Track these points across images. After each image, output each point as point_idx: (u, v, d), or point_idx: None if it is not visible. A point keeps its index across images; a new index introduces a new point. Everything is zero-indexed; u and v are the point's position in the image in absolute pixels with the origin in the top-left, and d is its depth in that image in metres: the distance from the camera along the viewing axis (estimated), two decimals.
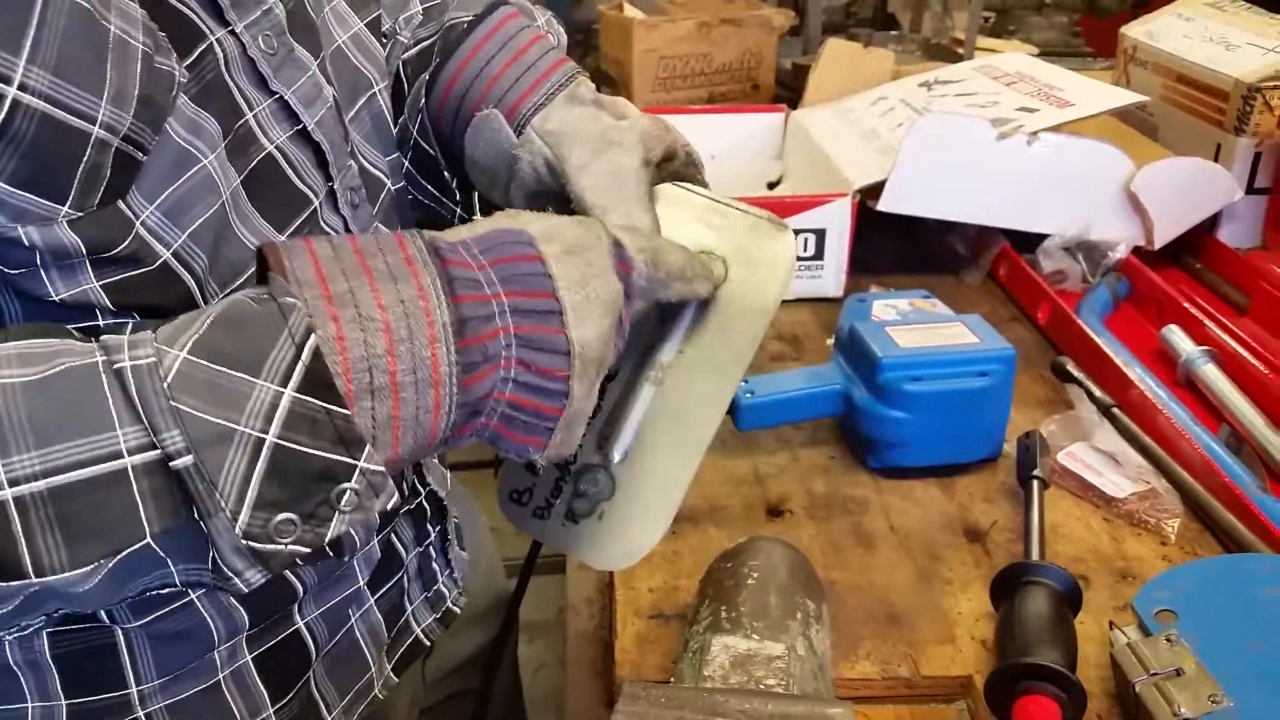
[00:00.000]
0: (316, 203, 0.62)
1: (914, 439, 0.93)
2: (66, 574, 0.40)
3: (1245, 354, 1.06)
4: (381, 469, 0.43)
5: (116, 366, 0.41)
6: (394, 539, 0.75)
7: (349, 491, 0.43)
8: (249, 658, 0.64)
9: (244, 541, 0.42)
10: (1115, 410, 0.99)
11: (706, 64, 1.77)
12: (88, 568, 0.40)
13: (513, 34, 0.70)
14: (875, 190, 1.26)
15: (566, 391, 0.47)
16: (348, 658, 0.72)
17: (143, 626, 0.58)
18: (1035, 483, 0.88)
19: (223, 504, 0.41)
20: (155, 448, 0.40)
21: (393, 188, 0.73)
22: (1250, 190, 1.31)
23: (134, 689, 0.59)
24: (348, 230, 0.65)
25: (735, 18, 1.77)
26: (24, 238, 0.46)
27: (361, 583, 0.71)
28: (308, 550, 0.43)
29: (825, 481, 0.95)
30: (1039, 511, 0.85)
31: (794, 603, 0.67)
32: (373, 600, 0.73)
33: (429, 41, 0.75)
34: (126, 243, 0.49)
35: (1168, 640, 0.69)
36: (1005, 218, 1.28)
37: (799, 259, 1.26)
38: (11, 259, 0.47)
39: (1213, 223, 1.32)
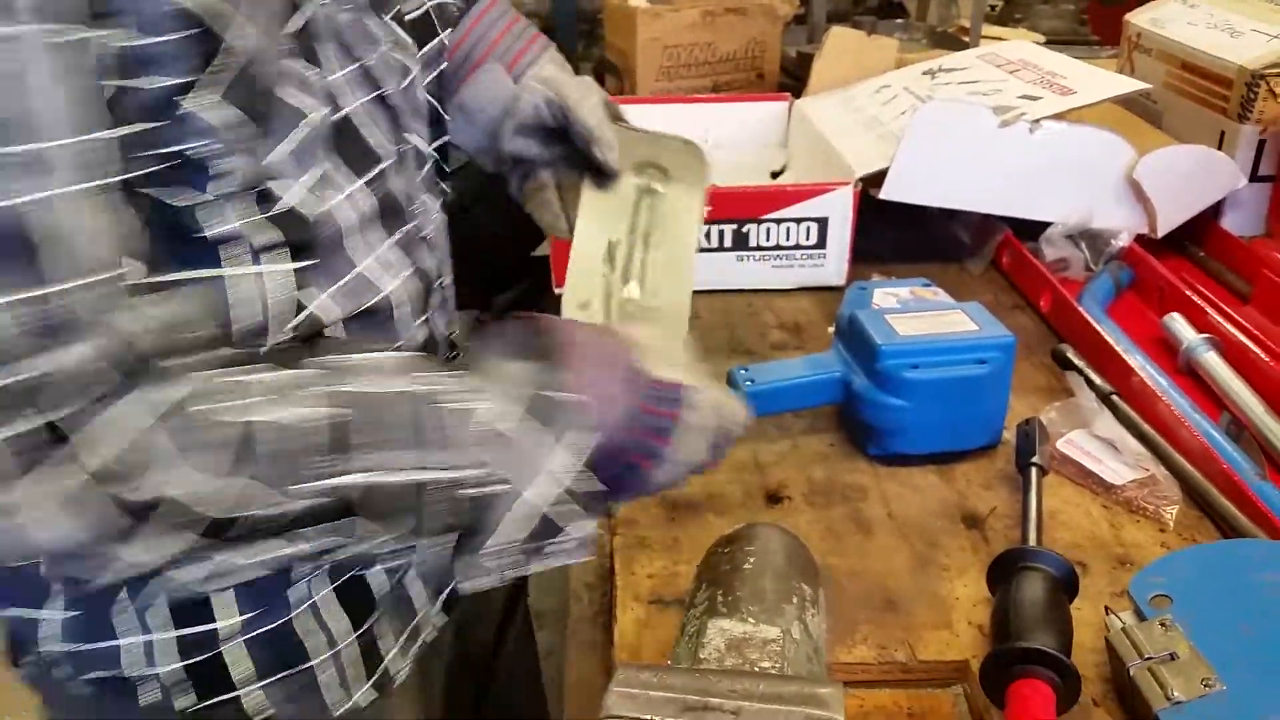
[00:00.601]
0: (386, 164, 0.68)
1: (913, 426, 0.94)
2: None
3: (1247, 341, 1.06)
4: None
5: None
6: None
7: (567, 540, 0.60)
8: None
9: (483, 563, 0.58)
10: (1115, 398, 0.99)
11: (710, 53, 1.77)
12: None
13: (499, 15, 0.89)
14: (878, 178, 1.26)
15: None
16: (404, 602, 0.80)
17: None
18: (1034, 469, 0.89)
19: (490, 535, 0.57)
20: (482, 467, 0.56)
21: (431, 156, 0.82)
22: (1254, 178, 1.31)
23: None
24: (408, 193, 0.73)
25: (739, 6, 1.77)
26: (230, 167, 0.54)
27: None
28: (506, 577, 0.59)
29: (824, 468, 0.96)
30: (1037, 498, 0.86)
31: (790, 587, 0.68)
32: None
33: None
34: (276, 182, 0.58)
35: (1162, 625, 0.69)
36: (1007, 205, 1.28)
37: (800, 247, 1.27)
38: (198, 186, 0.54)
39: (1216, 210, 1.32)
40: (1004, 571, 0.76)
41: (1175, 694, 0.64)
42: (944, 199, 1.29)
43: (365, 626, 0.76)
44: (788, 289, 1.29)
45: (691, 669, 0.55)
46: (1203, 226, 1.31)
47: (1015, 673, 0.68)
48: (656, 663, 0.65)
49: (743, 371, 0.96)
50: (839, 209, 1.24)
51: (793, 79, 1.83)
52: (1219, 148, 1.30)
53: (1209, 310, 1.13)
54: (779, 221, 1.25)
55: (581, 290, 0.89)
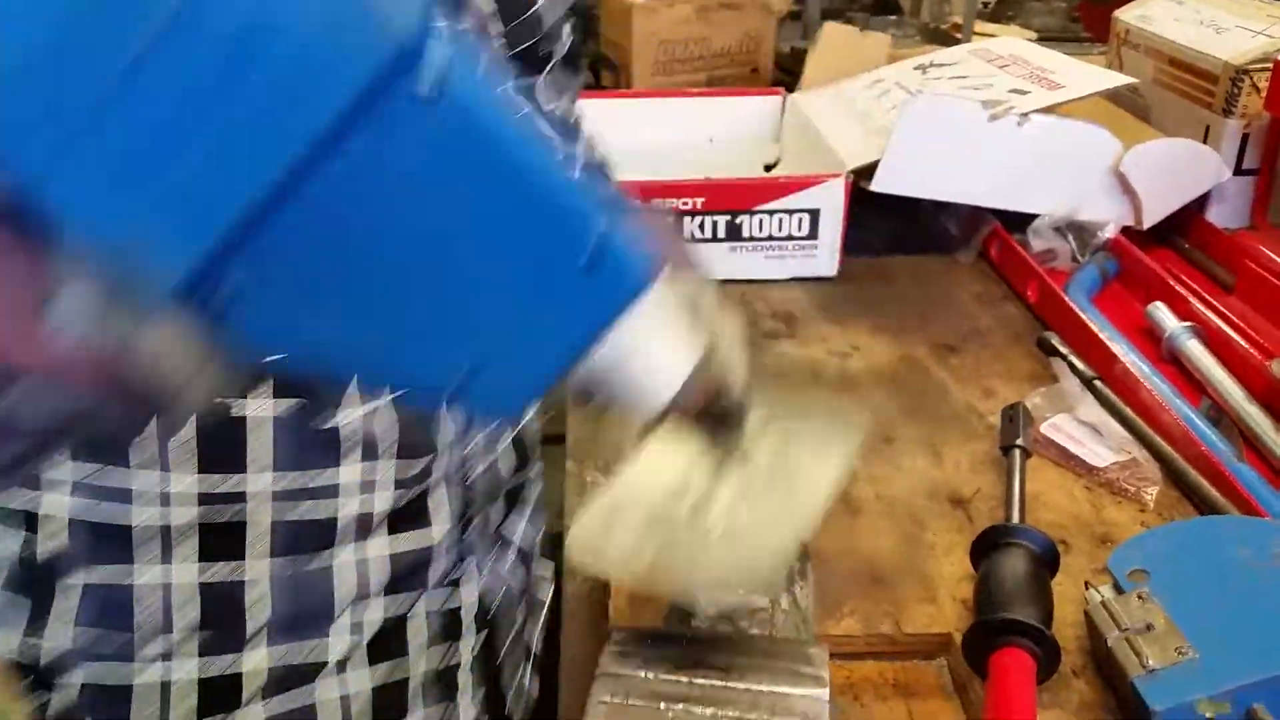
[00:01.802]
0: None
1: None
2: None
3: (1229, 330, 1.09)
4: None
5: None
6: None
7: None
8: None
9: None
10: (1098, 383, 1.01)
11: (705, 48, 1.79)
12: None
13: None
14: (869, 171, 1.28)
15: None
16: None
17: None
18: (1017, 452, 0.91)
19: None
20: None
21: None
22: (1238, 171, 1.33)
23: None
24: None
25: (735, 2, 1.79)
26: None
27: None
28: None
29: None
30: (1020, 479, 0.88)
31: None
32: None
33: None
34: None
35: (1139, 598, 0.71)
36: (996, 198, 1.31)
37: (793, 238, 1.29)
38: None
39: (1201, 203, 1.34)
40: (987, 548, 0.78)
41: (1150, 662, 0.67)
42: (934, 191, 1.31)
43: None
44: (780, 279, 1.31)
45: (683, 633, 0.57)
46: (1188, 219, 1.34)
47: (997, 643, 0.70)
48: (651, 627, 0.67)
49: None
50: (831, 201, 1.27)
51: (787, 74, 1.86)
52: (1204, 142, 1.33)
53: (1192, 300, 1.15)
54: (771, 213, 1.27)
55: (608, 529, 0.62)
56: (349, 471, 0.55)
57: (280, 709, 0.58)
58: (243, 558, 0.55)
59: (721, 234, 1.28)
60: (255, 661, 0.57)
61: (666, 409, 0.45)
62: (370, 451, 0.56)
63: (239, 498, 0.53)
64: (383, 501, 0.58)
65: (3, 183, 0.29)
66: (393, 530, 0.59)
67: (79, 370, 0.30)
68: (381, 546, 0.59)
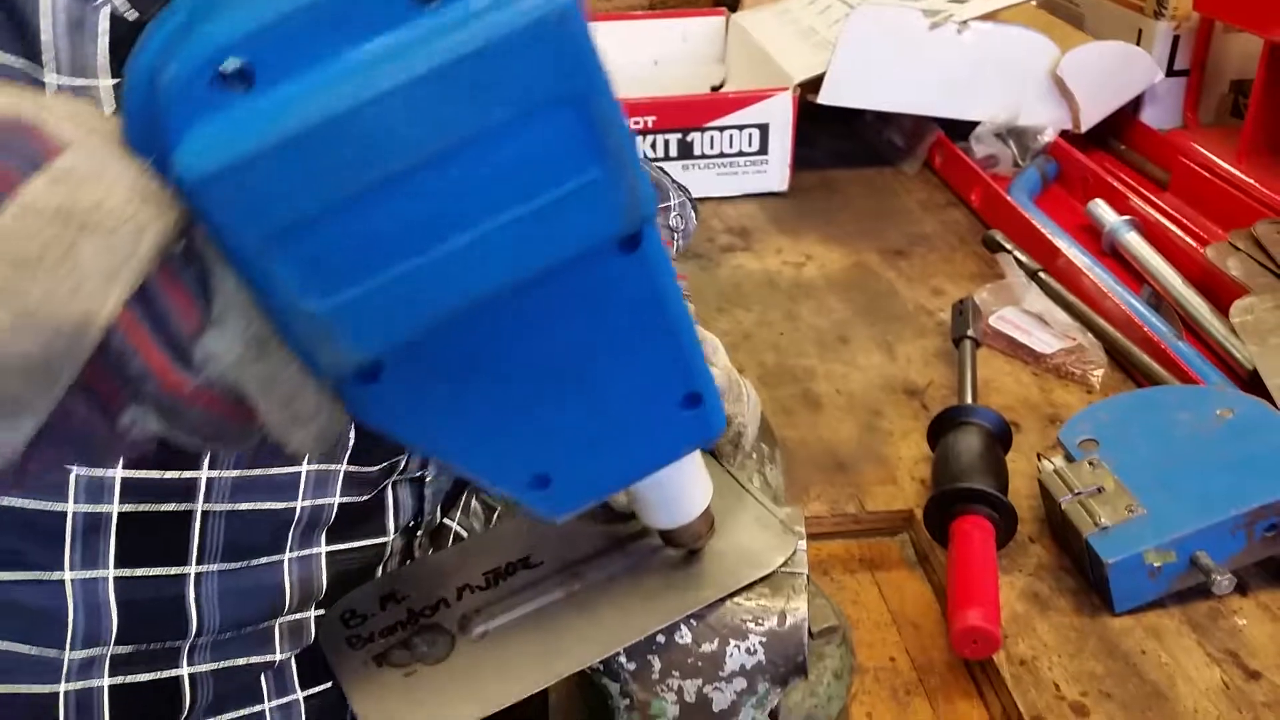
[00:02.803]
0: None
1: None
2: None
3: (1166, 223, 1.13)
4: None
5: None
6: None
7: None
8: None
9: None
10: (1042, 274, 1.05)
11: None
12: None
13: None
14: (815, 86, 1.30)
15: None
16: None
17: None
18: (968, 342, 0.94)
19: None
20: None
21: None
22: (1170, 73, 1.36)
23: None
24: None
25: None
26: None
27: None
28: None
29: (775, 355, 1.01)
30: (972, 366, 0.91)
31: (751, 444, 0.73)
32: None
33: None
34: None
35: (1090, 464, 0.75)
36: (939, 106, 1.33)
37: (744, 154, 1.31)
38: None
39: (1136, 105, 1.38)
40: (943, 428, 0.81)
41: (1102, 520, 0.71)
42: (879, 102, 1.33)
43: None
44: (734, 196, 1.33)
45: None
46: (1123, 121, 1.37)
47: (956, 511, 0.73)
48: None
49: None
50: (779, 115, 1.28)
51: None
52: (1137, 44, 1.36)
53: (1130, 196, 1.19)
54: (721, 129, 1.29)
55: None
56: (307, 469, 0.51)
57: None
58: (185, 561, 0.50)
59: (674, 152, 1.29)
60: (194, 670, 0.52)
61: (672, 531, 0.49)
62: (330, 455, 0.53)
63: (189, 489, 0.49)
64: (337, 499, 0.53)
65: (204, 235, 0.30)
66: (344, 530, 0.54)
67: (208, 399, 0.32)
68: (332, 546, 0.55)
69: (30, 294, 0.28)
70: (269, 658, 0.52)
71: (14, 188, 0.28)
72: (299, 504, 0.50)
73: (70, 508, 0.45)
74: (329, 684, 0.54)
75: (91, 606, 0.47)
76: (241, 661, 0.51)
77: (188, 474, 0.47)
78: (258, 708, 0.52)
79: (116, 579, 0.47)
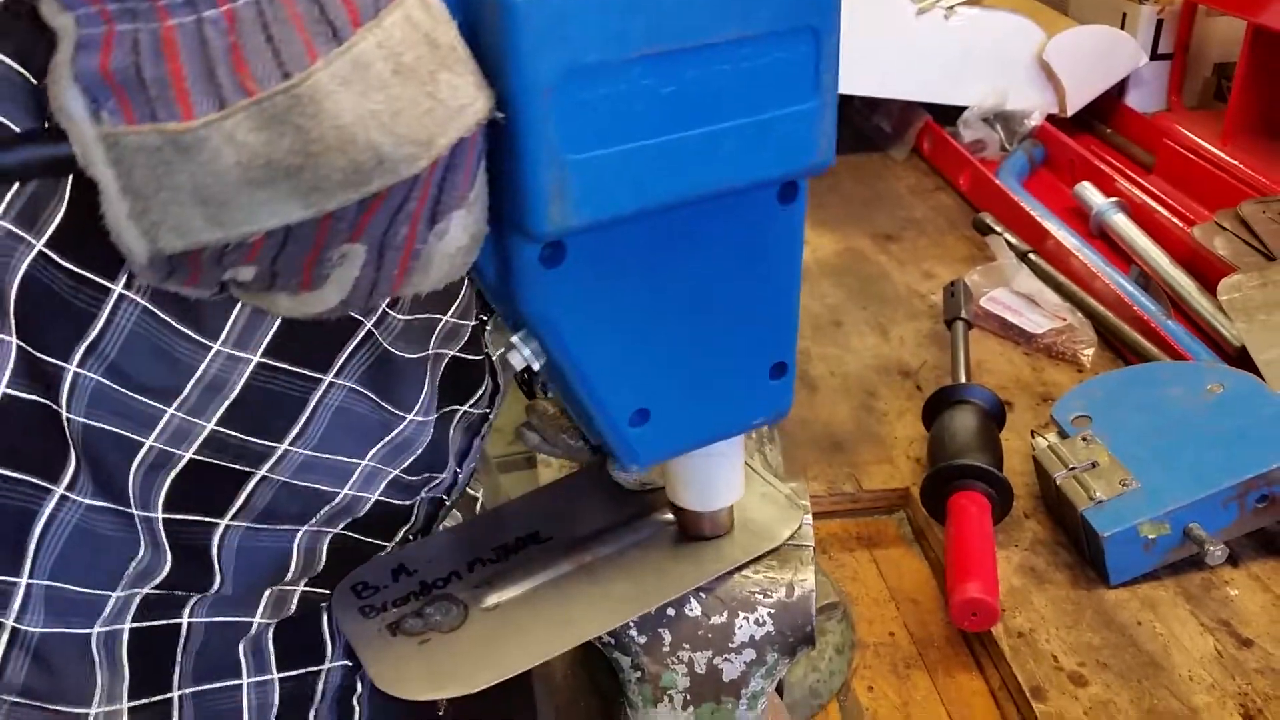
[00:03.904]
0: None
1: None
2: None
3: (1153, 204, 1.14)
4: None
5: None
6: None
7: None
8: None
9: None
10: (1033, 255, 1.06)
11: None
12: None
13: None
14: None
15: None
16: None
17: None
18: (960, 323, 0.95)
19: None
20: None
21: None
22: (1154, 56, 1.38)
23: None
24: None
25: None
26: None
27: None
28: None
29: None
30: (964, 347, 0.92)
31: None
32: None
33: None
34: None
35: (1084, 440, 0.76)
36: (926, 92, 1.34)
37: None
38: None
39: (1120, 89, 1.39)
40: (938, 407, 0.82)
41: (1097, 495, 0.72)
42: (868, 88, 1.34)
43: None
44: None
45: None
46: (1108, 104, 1.39)
47: (953, 487, 0.74)
48: None
49: None
50: None
51: None
52: (1121, 28, 1.37)
53: (1117, 179, 1.20)
54: None
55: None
56: (365, 463, 0.51)
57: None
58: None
59: None
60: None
61: (700, 516, 0.50)
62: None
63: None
64: (376, 496, 0.53)
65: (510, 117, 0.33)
66: (362, 526, 0.54)
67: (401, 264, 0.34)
68: (346, 533, 0.54)
69: (400, 98, 0.30)
70: (248, 619, 0.52)
71: None
72: (344, 491, 0.50)
73: (149, 441, 0.46)
74: (304, 670, 0.55)
75: (154, 543, 0.48)
76: (228, 618, 0.52)
77: (271, 444, 0.47)
78: (235, 681, 0.53)
79: (165, 520, 0.48)
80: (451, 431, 0.55)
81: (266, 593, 0.52)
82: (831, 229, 1.22)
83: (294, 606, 0.53)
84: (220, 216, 0.31)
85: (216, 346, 0.44)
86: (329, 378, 0.48)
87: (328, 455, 0.49)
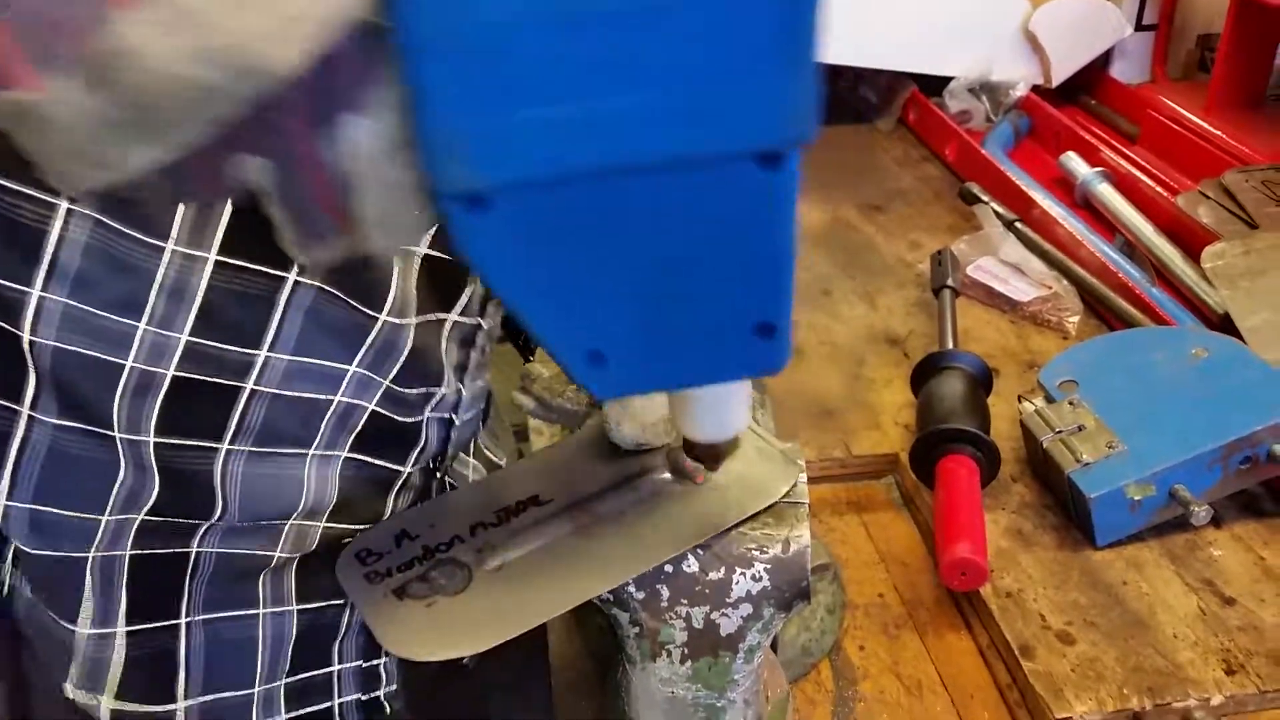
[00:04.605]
0: None
1: None
2: None
3: (1138, 173, 1.15)
4: None
5: None
6: None
7: None
8: None
9: None
10: (1019, 224, 1.06)
11: None
12: None
13: None
14: None
15: None
16: None
17: None
18: (947, 291, 0.96)
19: None
20: None
21: None
22: (1139, 27, 1.38)
23: None
24: None
25: None
26: None
27: None
28: None
29: None
30: (951, 314, 0.93)
31: None
32: None
33: None
34: None
35: (1070, 404, 0.77)
36: (913, 62, 1.35)
37: None
38: None
39: (1105, 60, 1.40)
40: (926, 373, 0.83)
41: (1084, 457, 0.73)
42: (856, 57, 1.34)
43: None
44: None
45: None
46: (1093, 75, 1.39)
47: (942, 451, 0.75)
48: None
49: None
50: None
51: None
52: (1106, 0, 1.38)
53: (1102, 149, 1.21)
54: None
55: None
56: (354, 369, 0.54)
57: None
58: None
59: None
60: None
61: (702, 446, 0.48)
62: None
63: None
64: (373, 405, 0.54)
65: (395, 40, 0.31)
66: (368, 444, 0.55)
67: (323, 182, 0.33)
68: (353, 454, 0.55)
69: (227, 28, 0.30)
70: (270, 553, 0.53)
71: None
72: (338, 397, 0.51)
73: (129, 362, 0.46)
74: (325, 603, 0.56)
75: (139, 467, 0.49)
76: (244, 550, 0.53)
77: (249, 351, 0.48)
78: (251, 612, 0.54)
79: (157, 445, 0.48)
80: (444, 343, 0.55)
81: (286, 527, 0.53)
82: (819, 199, 1.23)
83: (316, 542, 0.54)
84: (100, 166, 0.32)
85: (170, 246, 0.45)
86: (292, 275, 0.48)
87: (311, 360, 0.49)
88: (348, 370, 0.51)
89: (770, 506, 0.52)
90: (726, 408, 0.47)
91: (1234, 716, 0.63)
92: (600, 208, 0.35)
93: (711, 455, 0.50)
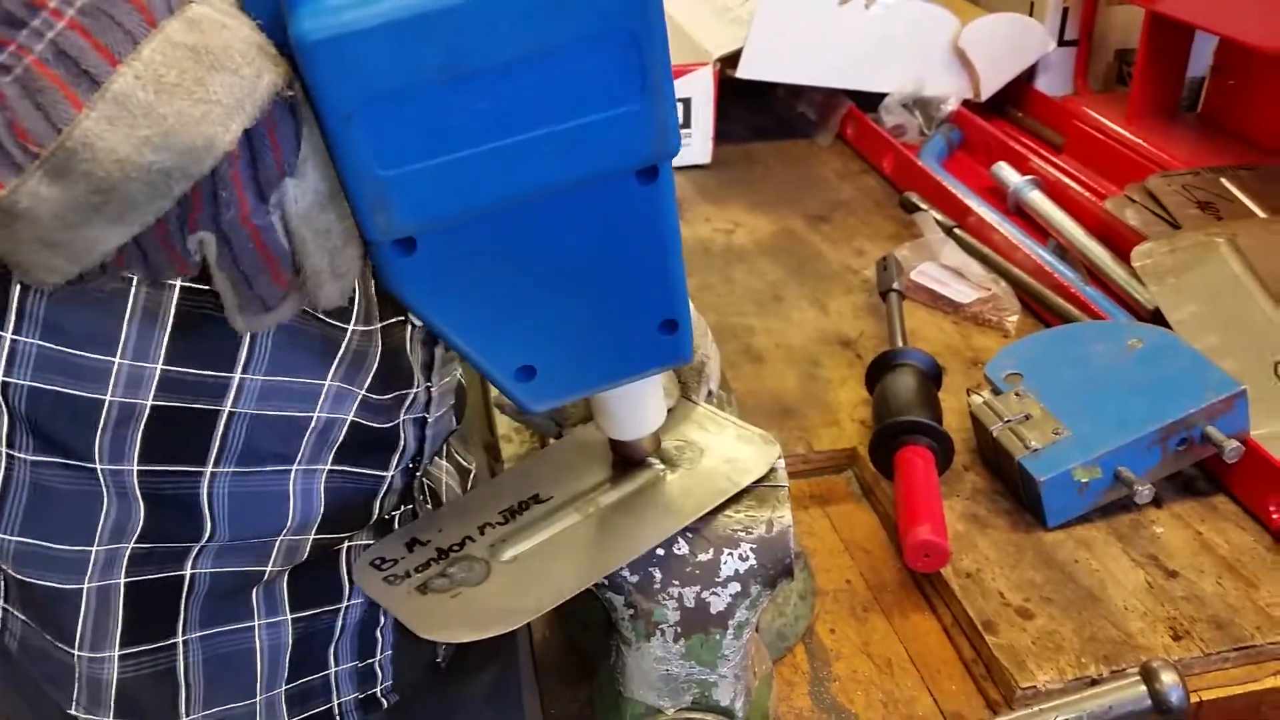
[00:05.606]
0: None
1: None
2: None
3: (1066, 179, 1.21)
4: None
5: None
6: None
7: None
8: None
9: None
10: (957, 230, 1.11)
11: None
12: None
13: None
14: (733, 61, 1.35)
15: None
16: None
17: None
18: (894, 294, 1.00)
19: None
20: None
21: None
22: (1061, 43, 1.45)
23: None
24: None
25: None
26: None
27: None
28: None
29: (715, 314, 1.06)
30: (899, 315, 0.97)
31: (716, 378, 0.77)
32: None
33: None
34: None
35: (1016, 395, 0.81)
36: (849, 79, 1.40)
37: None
38: None
39: (1030, 74, 1.46)
40: (880, 370, 0.87)
41: (1032, 444, 0.77)
42: (794, 75, 1.39)
43: None
44: None
45: None
46: (1019, 89, 1.45)
47: (899, 443, 0.79)
48: None
49: None
50: (700, 89, 1.33)
51: None
52: (1030, 15, 1.44)
53: (1031, 158, 1.27)
54: None
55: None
56: (329, 384, 0.54)
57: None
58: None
59: None
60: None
61: (624, 444, 0.54)
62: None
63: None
64: (351, 417, 0.55)
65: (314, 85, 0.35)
66: (350, 454, 0.57)
67: (262, 243, 0.37)
68: (336, 467, 0.57)
69: (168, 116, 0.33)
70: (262, 568, 0.54)
71: (155, 25, 0.33)
72: (316, 413, 0.53)
73: (108, 396, 0.48)
74: (319, 610, 0.58)
75: (123, 496, 0.50)
76: (237, 568, 0.54)
77: (223, 374, 0.49)
78: (247, 624, 0.56)
79: (141, 473, 0.50)
80: (409, 345, 0.57)
81: (277, 543, 0.54)
82: (766, 212, 1.27)
83: (306, 553, 0.56)
84: (69, 254, 0.36)
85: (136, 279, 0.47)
86: None
87: (285, 379, 0.51)
88: (323, 385, 0.53)
89: (754, 490, 0.55)
90: (644, 408, 0.53)
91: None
92: (512, 234, 0.41)
93: (637, 451, 0.55)
